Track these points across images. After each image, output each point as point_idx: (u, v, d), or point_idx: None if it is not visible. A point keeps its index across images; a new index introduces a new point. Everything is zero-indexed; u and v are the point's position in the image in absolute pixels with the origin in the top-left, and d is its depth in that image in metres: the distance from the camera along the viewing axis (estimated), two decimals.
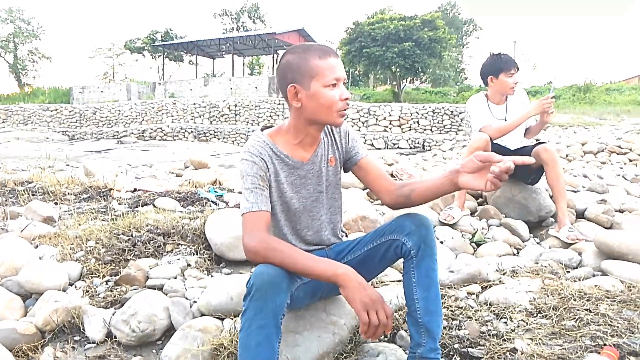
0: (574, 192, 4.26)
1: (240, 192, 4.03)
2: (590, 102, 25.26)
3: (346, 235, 1.82)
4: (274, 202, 1.56)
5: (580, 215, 3.26)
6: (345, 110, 1.47)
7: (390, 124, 18.52)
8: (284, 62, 1.47)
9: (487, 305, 1.96)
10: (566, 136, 11.40)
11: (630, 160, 7.96)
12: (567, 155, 8.42)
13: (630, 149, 8.37)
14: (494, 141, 3.14)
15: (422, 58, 28.25)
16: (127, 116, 24.48)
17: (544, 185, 3.37)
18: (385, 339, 1.78)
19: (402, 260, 1.56)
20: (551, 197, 3.35)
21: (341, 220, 1.78)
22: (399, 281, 2.19)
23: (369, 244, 1.62)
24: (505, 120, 3.17)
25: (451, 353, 1.65)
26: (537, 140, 4.53)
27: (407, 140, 17.34)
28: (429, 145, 16.43)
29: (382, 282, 2.15)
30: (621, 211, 3.46)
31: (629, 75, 38.76)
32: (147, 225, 2.87)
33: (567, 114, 17.36)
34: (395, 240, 1.53)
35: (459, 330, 1.77)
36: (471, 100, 3.29)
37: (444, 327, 1.76)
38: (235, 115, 22.22)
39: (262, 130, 1.59)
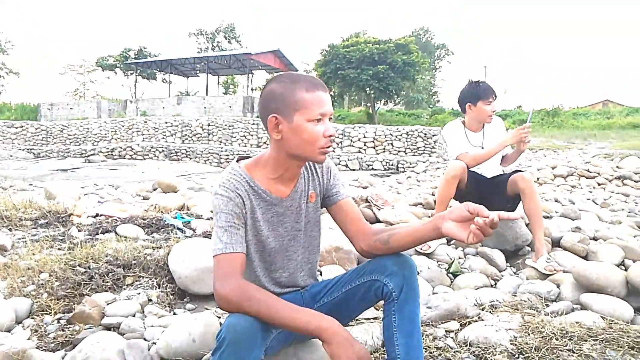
0: (548, 217, 4.25)
1: (209, 219, 3.86)
2: (558, 126, 26.02)
3: (320, 274, 1.71)
4: (248, 241, 1.42)
5: (556, 243, 3.22)
6: (328, 147, 1.35)
7: (364, 145, 18.58)
8: (268, 91, 1.36)
9: (466, 345, 1.86)
10: (536, 159, 11.60)
11: (599, 184, 8.10)
12: (538, 179, 8.52)
13: (599, 173, 8.53)
14: (470, 169, 3.09)
15: (396, 81, 28.71)
16: (96, 134, 23.91)
17: (519, 214, 3.33)
18: None
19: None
20: (527, 225, 3.31)
21: (318, 260, 1.67)
22: (374, 319, 2.07)
23: (347, 284, 1.50)
24: (482, 147, 3.13)
25: None
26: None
27: (381, 161, 17.40)
28: (403, 167, 16.51)
29: (356, 319, 2.02)
30: (595, 239, 3.44)
31: (594, 101, 40.21)
32: (106, 256, 2.68)
33: (536, 138, 17.77)
34: (376, 281, 1.42)
35: None
36: (448, 127, 3.24)
37: None
38: (209, 134, 21.96)
39: (238, 160, 1.47)
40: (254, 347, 1.15)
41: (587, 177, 8.49)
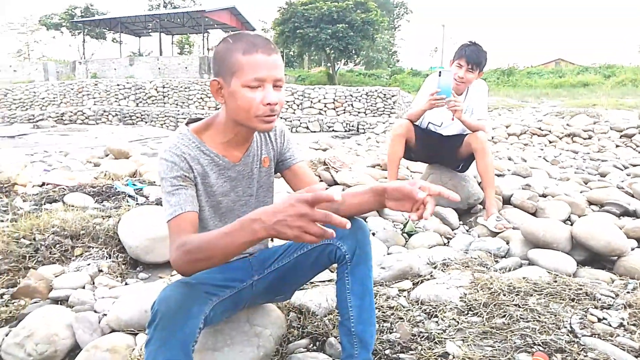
0: (501, 175, 4.37)
1: None
2: (513, 85, 26.57)
3: (272, 240, 1.68)
4: (201, 207, 1.36)
5: (507, 201, 3.32)
6: (269, 116, 1.25)
7: (325, 106, 18.43)
8: (214, 52, 1.29)
9: (418, 303, 1.90)
10: (492, 118, 11.83)
11: (550, 142, 8.37)
12: (492, 138, 8.72)
13: (550, 131, 8.80)
14: (429, 124, 3.13)
15: (356, 40, 28.40)
16: (43, 98, 22.64)
17: (471, 173, 3.40)
18: (314, 347, 1.67)
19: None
20: (479, 183, 3.39)
21: None
22: (329, 281, 2.08)
23: (298, 250, 1.48)
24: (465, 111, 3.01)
25: (382, 359, 1.56)
26: None
27: (341, 123, 17.35)
28: (363, 128, 16.53)
29: (311, 282, 2.03)
30: (544, 195, 3.56)
31: (547, 60, 41.14)
32: (53, 227, 2.57)
33: (492, 97, 18.09)
34: (329, 244, 1.41)
35: (390, 333, 1.69)
36: (427, 79, 3.18)
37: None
38: (164, 97, 21.18)
39: (187, 124, 1.39)
40: (189, 318, 1.12)
41: (539, 135, 8.75)
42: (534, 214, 3.11)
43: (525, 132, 9.00)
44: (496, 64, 30.79)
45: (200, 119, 1.42)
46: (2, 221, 2.81)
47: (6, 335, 1.73)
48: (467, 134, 3.09)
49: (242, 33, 1.29)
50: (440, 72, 2.80)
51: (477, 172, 3.09)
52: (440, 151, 3.23)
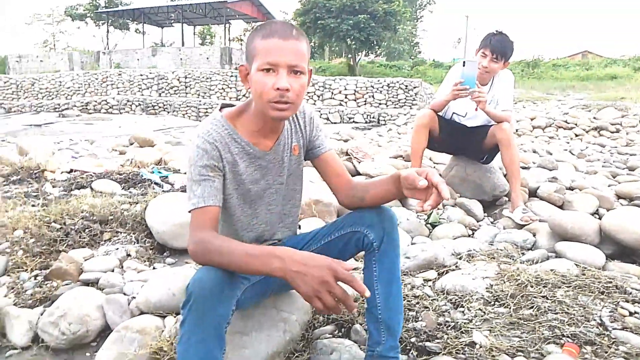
0: (526, 168, 4.31)
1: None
2: (538, 77, 26.07)
3: (299, 228, 1.69)
4: (228, 195, 1.38)
5: (532, 193, 3.27)
6: (279, 103, 1.23)
7: (345, 97, 18.35)
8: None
9: (444, 293, 1.90)
10: (516, 111, 11.62)
11: (577, 135, 8.20)
12: (517, 130, 8.58)
13: (576, 124, 8.62)
14: (453, 115, 3.09)
15: (377, 31, 28.13)
16: (68, 87, 23.05)
17: (497, 164, 3.36)
18: (339, 333, 1.68)
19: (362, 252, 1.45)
20: (505, 175, 3.34)
21: (299, 213, 1.64)
22: (355, 269, 2.09)
23: (326, 237, 1.49)
24: (489, 102, 2.96)
25: (407, 347, 1.57)
26: None
27: (362, 114, 17.26)
28: (384, 120, 16.44)
29: None
30: (571, 189, 3.50)
31: (573, 52, 40.18)
32: (82, 212, 2.63)
33: (516, 89, 17.78)
34: (356, 232, 1.42)
35: (416, 322, 1.69)
36: (452, 67, 3.14)
37: None
38: (186, 87, 21.36)
39: (221, 109, 1.40)
40: (222, 301, 1.13)
41: (565, 128, 8.58)
42: (560, 207, 3.07)
43: (551, 125, 8.83)
44: (521, 56, 30.21)
45: (233, 104, 1.43)
46: (34, 206, 2.88)
47: (41, 314, 1.79)
48: (491, 125, 3.04)
49: (270, 21, 1.30)
50: (464, 62, 2.77)
51: (502, 163, 3.05)
52: (464, 142, 3.19)
